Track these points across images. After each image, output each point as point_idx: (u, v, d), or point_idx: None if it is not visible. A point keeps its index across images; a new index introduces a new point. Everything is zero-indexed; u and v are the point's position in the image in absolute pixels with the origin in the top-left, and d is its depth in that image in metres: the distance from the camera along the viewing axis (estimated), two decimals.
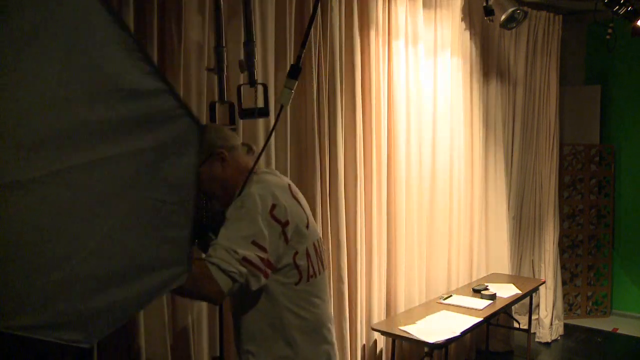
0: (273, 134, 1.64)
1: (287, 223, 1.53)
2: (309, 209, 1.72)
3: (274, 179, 1.65)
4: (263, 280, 1.50)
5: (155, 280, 1.23)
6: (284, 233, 1.53)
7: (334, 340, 1.73)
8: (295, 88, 1.44)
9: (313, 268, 1.62)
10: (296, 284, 1.57)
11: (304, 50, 1.42)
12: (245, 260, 1.43)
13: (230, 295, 1.47)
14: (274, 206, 1.51)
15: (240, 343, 1.63)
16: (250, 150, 1.78)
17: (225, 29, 2.37)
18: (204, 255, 1.48)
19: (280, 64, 2.80)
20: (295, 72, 1.41)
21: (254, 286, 1.48)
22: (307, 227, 1.63)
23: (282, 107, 1.44)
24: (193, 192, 1.23)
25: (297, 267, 1.57)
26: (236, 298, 1.63)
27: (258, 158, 1.59)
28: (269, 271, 1.51)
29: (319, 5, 2.92)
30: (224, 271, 1.41)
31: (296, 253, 1.56)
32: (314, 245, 1.65)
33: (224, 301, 2.01)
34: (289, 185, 1.67)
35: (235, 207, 1.51)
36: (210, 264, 1.42)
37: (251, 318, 1.59)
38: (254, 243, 1.46)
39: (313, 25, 2.91)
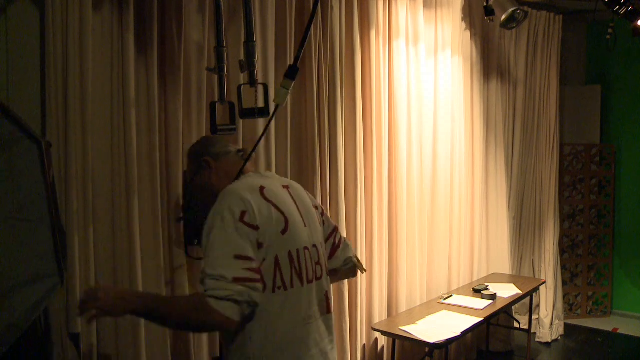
0: (265, 134, 1.62)
1: (257, 227, 1.46)
2: (295, 212, 1.60)
3: (247, 182, 1.57)
4: (260, 288, 1.44)
5: (34, 294, 1.27)
6: (257, 239, 1.46)
7: None
8: (291, 88, 1.44)
9: (282, 278, 1.50)
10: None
11: (303, 51, 1.41)
12: (236, 280, 1.38)
13: (243, 318, 1.42)
14: (243, 213, 1.45)
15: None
16: (244, 154, 1.74)
17: (225, 29, 2.37)
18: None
19: (280, 64, 2.80)
20: (293, 72, 1.40)
21: (259, 298, 1.43)
22: (284, 232, 1.52)
23: (277, 106, 1.44)
24: (47, 207, 1.28)
25: (261, 275, 1.46)
26: None
27: (246, 160, 1.58)
28: (260, 277, 1.45)
29: (319, 5, 2.92)
30: (222, 299, 1.37)
31: (264, 260, 1.47)
32: (290, 254, 1.53)
33: None
34: (261, 187, 1.55)
35: (206, 230, 1.46)
36: (208, 298, 1.37)
37: (224, 334, 1.57)
38: (237, 257, 1.41)
39: (313, 25, 2.91)
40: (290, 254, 1.53)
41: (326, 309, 1.64)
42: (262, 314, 1.47)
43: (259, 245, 1.46)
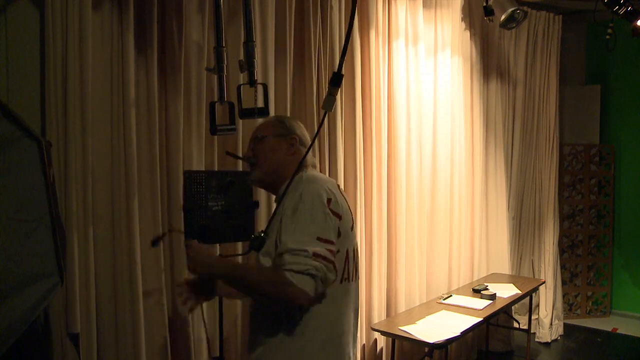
0: (316, 137, 1.64)
1: (340, 217, 1.54)
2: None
3: (325, 177, 1.68)
4: (334, 270, 1.49)
5: (34, 294, 1.27)
6: (338, 227, 1.54)
7: (353, 354, 1.66)
8: (337, 95, 1.45)
9: (348, 271, 1.60)
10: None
11: (344, 58, 1.42)
12: (316, 255, 1.44)
13: (318, 293, 1.47)
14: (329, 200, 1.52)
15: (254, 332, 1.62)
16: (313, 164, 1.77)
17: (225, 29, 2.37)
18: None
19: (280, 64, 2.80)
20: (338, 79, 1.42)
21: (332, 277, 1.49)
22: (352, 229, 1.63)
23: (325, 113, 1.46)
24: (47, 207, 1.29)
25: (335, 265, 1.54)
26: None
27: (307, 152, 1.60)
28: (336, 260, 1.51)
29: (319, 5, 2.92)
30: (299, 272, 1.42)
31: (338, 251, 1.54)
32: (355, 249, 1.65)
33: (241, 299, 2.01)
34: (338, 185, 1.68)
35: (294, 207, 1.51)
36: (286, 271, 1.42)
37: (265, 306, 1.59)
38: (319, 239, 1.46)
39: (313, 25, 2.91)
40: (354, 249, 1.65)
41: (358, 307, 1.75)
42: (329, 301, 1.54)
43: (339, 235, 1.54)
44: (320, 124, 1.55)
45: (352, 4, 1.49)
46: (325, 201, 1.51)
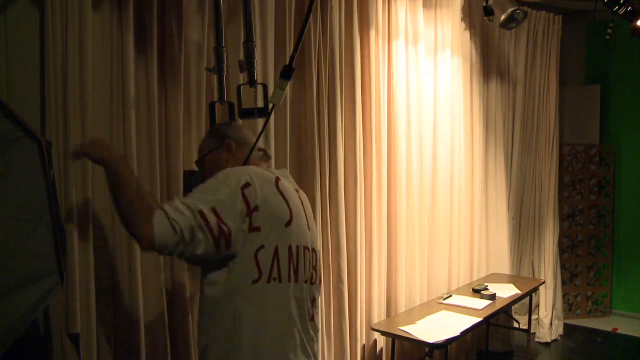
0: (263, 132, 1.61)
1: (256, 208, 1.42)
2: (303, 212, 1.61)
3: (260, 170, 1.55)
4: (212, 248, 1.38)
5: (34, 294, 1.27)
6: (249, 217, 1.41)
7: None
8: (286, 88, 1.45)
9: (279, 271, 1.46)
10: (254, 281, 1.44)
11: (297, 52, 1.43)
12: (200, 214, 1.34)
13: (159, 249, 1.35)
14: (247, 184, 1.42)
15: (198, 336, 1.55)
16: (265, 155, 1.77)
17: (225, 29, 2.37)
18: None
19: (280, 64, 2.79)
20: (288, 72, 1.41)
21: (199, 248, 1.36)
22: (287, 225, 1.50)
23: (273, 106, 1.45)
24: (47, 206, 1.29)
25: (257, 262, 1.43)
26: (201, 286, 1.53)
27: (250, 152, 1.58)
28: (222, 242, 1.38)
29: (319, 5, 2.92)
30: (168, 219, 1.33)
31: (262, 247, 1.43)
32: (290, 248, 1.50)
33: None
34: (277, 178, 1.56)
35: (207, 180, 1.46)
36: (159, 210, 1.34)
37: (209, 311, 1.49)
38: (214, 211, 1.36)
39: (312, 25, 2.91)
40: (290, 248, 1.50)
41: (312, 316, 1.59)
42: (255, 302, 1.44)
43: (254, 229, 1.43)
44: (267, 119, 1.53)
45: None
46: (242, 183, 1.41)
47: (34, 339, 1.85)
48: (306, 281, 1.56)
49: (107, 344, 2.19)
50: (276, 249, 1.46)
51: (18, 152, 1.28)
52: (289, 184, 1.63)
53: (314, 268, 1.61)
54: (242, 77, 2.41)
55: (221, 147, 1.69)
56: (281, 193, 1.52)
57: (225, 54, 2.08)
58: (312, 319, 1.60)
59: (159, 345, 2.30)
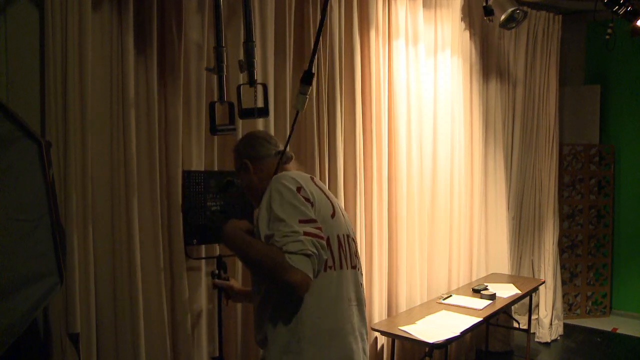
0: (290, 138, 1.63)
1: (312, 204, 1.53)
2: (337, 203, 1.70)
3: (296, 172, 1.67)
4: (325, 248, 1.49)
5: (34, 294, 1.28)
6: (313, 212, 1.52)
7: (359, 347, 1.62)
8: (308, 92, 1.45)
9: (333, 259, 1.56)
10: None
11: (315, 57, 1.43)
12: (307, 234, 1.44)
13: (315, 274, 1.45)
14: (299, 188, 1.52)
15: (256, 329, 1.61)
16: (288, 157, 1.78)
17: (225, 29, 2.37)
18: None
19: (280, 64, 2.80)
20: (309, 77, 1.41)
21: (325, 255, 1.49)
22: (332, 216, 1.60)
23: (297, 112, 1.46)
24: (47, 206, 1.29)
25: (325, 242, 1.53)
26: (258, 284, 1.60)
27: (280, 159, 1.64)
28: (324, 241, 1.50)
29: (318, 5, 2.92)
30: (295, 253, 1.40)
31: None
32: (339, 237, 1.60)
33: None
34: (312, 177, 1.68)
35: (266, 206, 1.50)
36: (283, 254, 1.40)
37: (264, 303, 1.56)
38: (302, 221, 1.46)
39: (313, 25, 2.91)
40: (338, 237, 1.60)
41: (362, 299, 1.68)
42: (314, 292, 1.49)
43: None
44: (293, 124, 1.53)
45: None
46: (295, 189, 1.51)
47: (34, 339, 1.85)
48: (353, 267, 1.66)
49: (107, 344, 2.19)
50: (328, 239, 1.55)
51: (18, 153, 1.29)
52: (320, 182, 1.72)
53: (355, 254, 1.70)
54: (242, 77, 2.41)
55: (241, 169, 1.77)
56: (320, 188, 1.64)
57: (225, 54, 2.08)
58: (363, 303, 1.69)
59: (159, 345, 2.30)
